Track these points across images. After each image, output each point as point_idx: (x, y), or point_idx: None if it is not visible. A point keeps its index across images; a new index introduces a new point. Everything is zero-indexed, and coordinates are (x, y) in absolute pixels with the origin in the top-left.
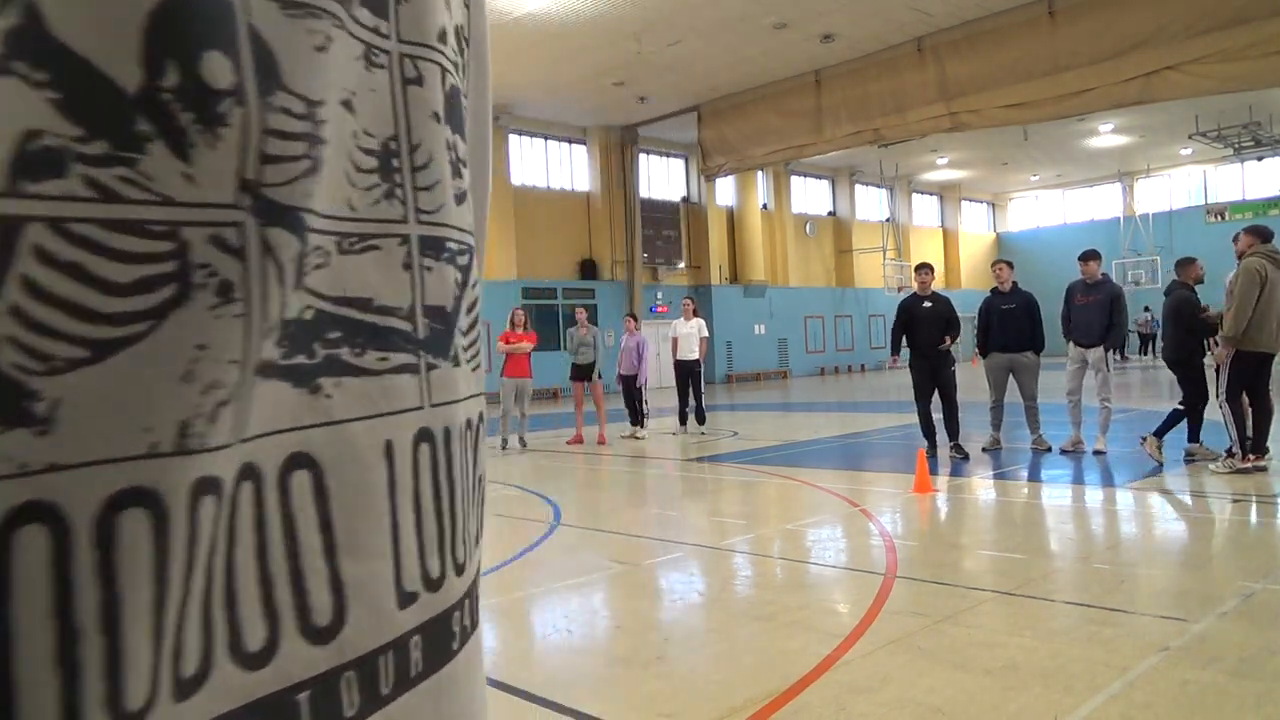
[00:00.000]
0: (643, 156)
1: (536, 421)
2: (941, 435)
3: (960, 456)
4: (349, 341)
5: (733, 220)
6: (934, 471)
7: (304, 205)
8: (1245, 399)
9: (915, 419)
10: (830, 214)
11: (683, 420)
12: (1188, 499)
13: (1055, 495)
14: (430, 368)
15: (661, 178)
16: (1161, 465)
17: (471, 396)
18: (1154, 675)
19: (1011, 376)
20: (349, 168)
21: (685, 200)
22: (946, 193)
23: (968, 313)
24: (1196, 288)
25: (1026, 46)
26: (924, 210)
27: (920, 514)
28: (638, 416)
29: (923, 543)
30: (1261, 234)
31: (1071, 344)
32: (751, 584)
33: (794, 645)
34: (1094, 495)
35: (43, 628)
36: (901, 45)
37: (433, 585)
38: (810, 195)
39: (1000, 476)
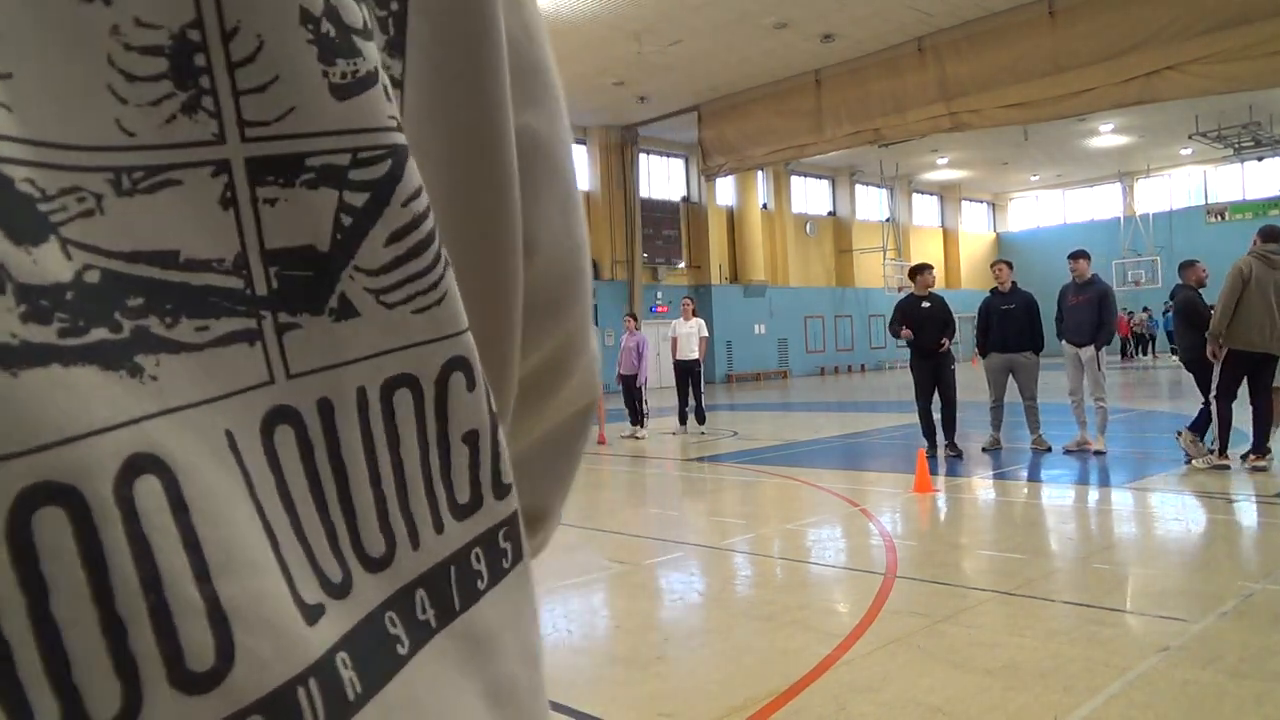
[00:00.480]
0: (643, 156)
1: None
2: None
3: (954, 454)
4: (155, 309)
5: (733, 220)
6: (934, 472)
7: None
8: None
9: (915, 419)
10: (830, 214)
11: (682, 420)
12: (1187, 499)
13: (1055, 495)
14: (285, 328)
15: (661, 177)
16: (1189, 460)
17: (402, 348)
18: (1154, 675)
19: (1011, 376)
20: (112, 75)
21: (685, 200)
22: (946, 193)
23: (968, 312)
24: (1202, 289)
25: (1027, 46)
26: (924, 210)
27: (920, 514)
28: (637, 416)
29: (923, 543)
30: (1265, 234)
31: (1064, 344)
32: (751, 584)
33: (794, 645)
34: (1094, 495)
35: None
36: (902, 45)
37: (340, 590)
38: (810, 195)
39: (1000, 476)
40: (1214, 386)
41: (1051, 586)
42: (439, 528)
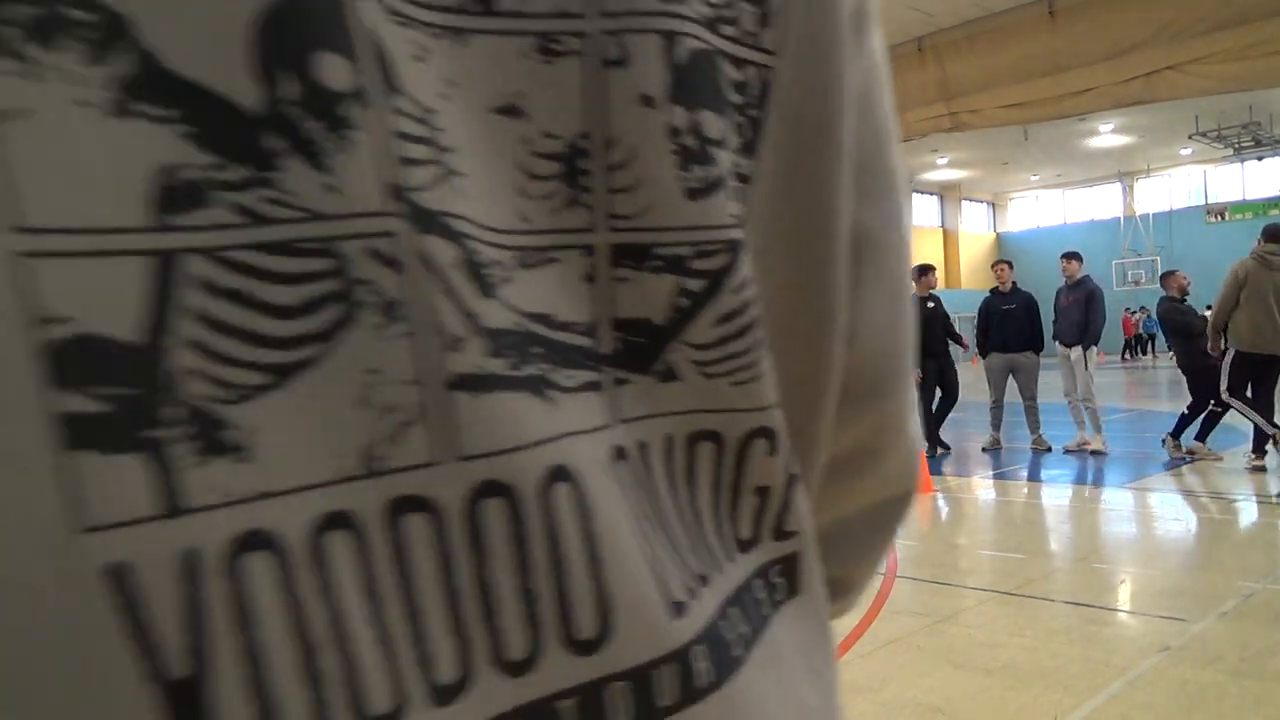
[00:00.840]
0: None
1: None
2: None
3: (945, 451)
4: (548, 357)
5: None
6: (935, 472)
7: (450, 210)
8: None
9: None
10: None
11: None
12: (1187, 499)
13: (1055, 495)
14: (620, 382)
15: None
16: (1186, 459)
17: (703, 410)
18: (1154, 675)
19: (1011, 376)
20: (520, 178)
21: None
22: (946, 192)
23: (969, 312)
24: (1185, 297)
25: (1027, 46)
26: (924, 210)
27: (920, 514)
28: None
29: (923, 542)
30: (1268, 234)
31: (1058, 344)
32: None
33: None
34: (1093, 495)
35: (284, 644)
36: (902, 45)
37: (692, 595)
38: None
39: (1000, 476)
40: (1223, 388)
41: (1051, 586)
42: (729, 559)
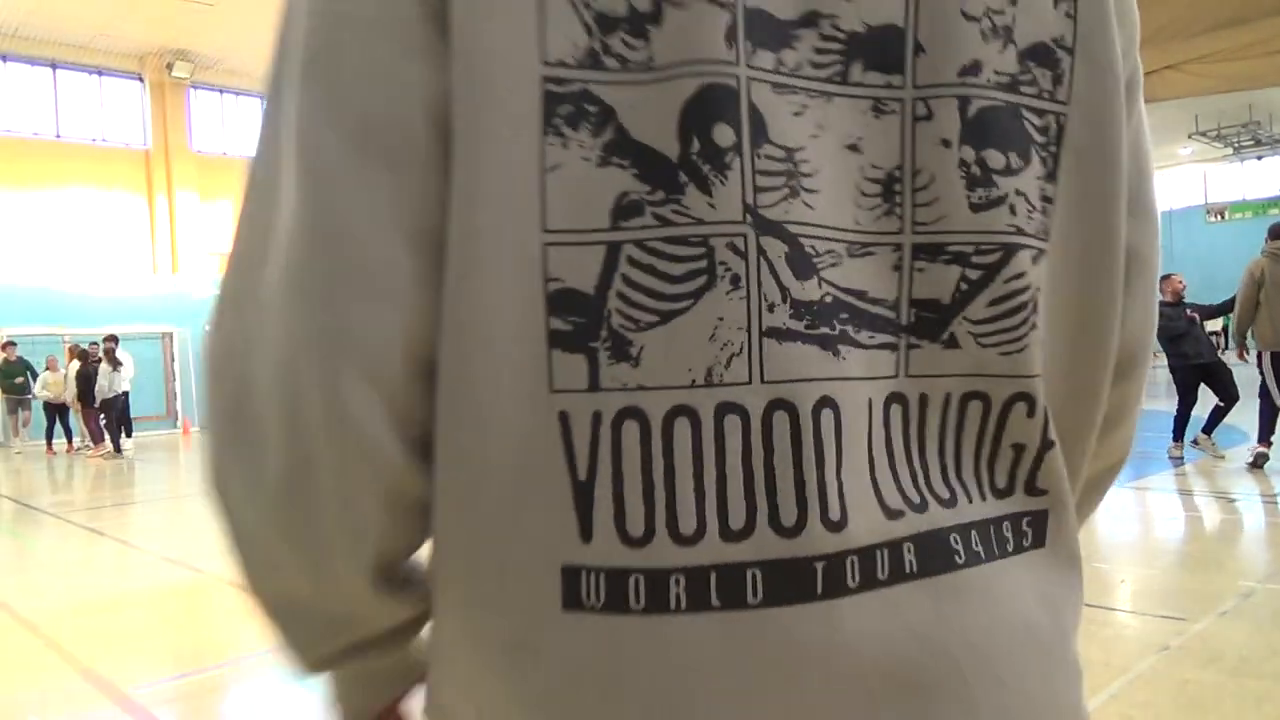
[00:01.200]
0: None
1: None
2: None
3: None
4: (853, 321)
5: None
6: None
7: (788, 219)
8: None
9: None
10: None
11: None
12: (1187, 499)
13: None
14: (911, 347)
15: None
16: (1181, 460)
17: (976, 374)
18: (1153, 675)
19: None
20: (856, 194)
21: None
22: None
23: None
24: (1197, 294)
25: None
26: None
27: None
28: None
29: None
30: (1274, 231)
31: None
32: None
33: None
34: None
35: (634, 473)
36: None
37: (916, 508)
38: None
39: None
40: (1271, 388)
41: None
42: (980, 498)
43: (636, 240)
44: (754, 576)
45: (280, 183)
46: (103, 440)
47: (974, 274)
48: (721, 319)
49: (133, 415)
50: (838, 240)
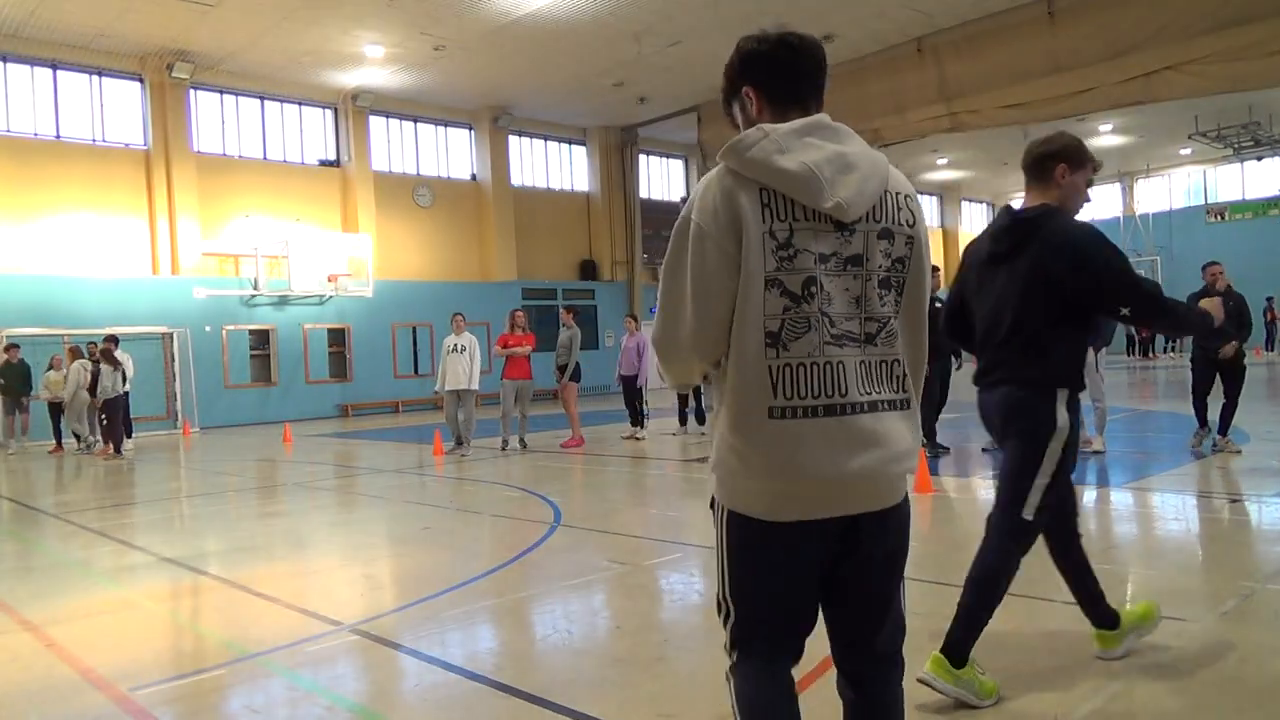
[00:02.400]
0: (642, 157)
1: (537, 423)
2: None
3: (944, 451)
4: (851, 337)
5: None
6: (933, 472)
7: (827, 309)
8: None
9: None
10: None
11: (683, 421)
12: (1188, 499)
13: None
14: (867, 343)
15: (661, 178)
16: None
17: (884, 353)
18: (1154, 675)
19: None
20: (850, 302)
21: (685, 201)
22: (946, 193)
23: None
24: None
25: (1026, 47)
26: (924, 210)
27: (921, 514)
28: (638, 417)
29: (923, 543)
30: None
31: None
32: None
33: None
34: (1093, 495)
35: (787, 383)
36: (901, 45)
37: (872, 392)
38: None
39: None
40: None
41: (1051, 586)
42: (888, 391)
43: (788, 317)
44: (821, 409)
45: (684, 295)
46: (111, 439)
47: (874, 325)
48: (814, 338)
49: (132, 415)
50: (849, 318)
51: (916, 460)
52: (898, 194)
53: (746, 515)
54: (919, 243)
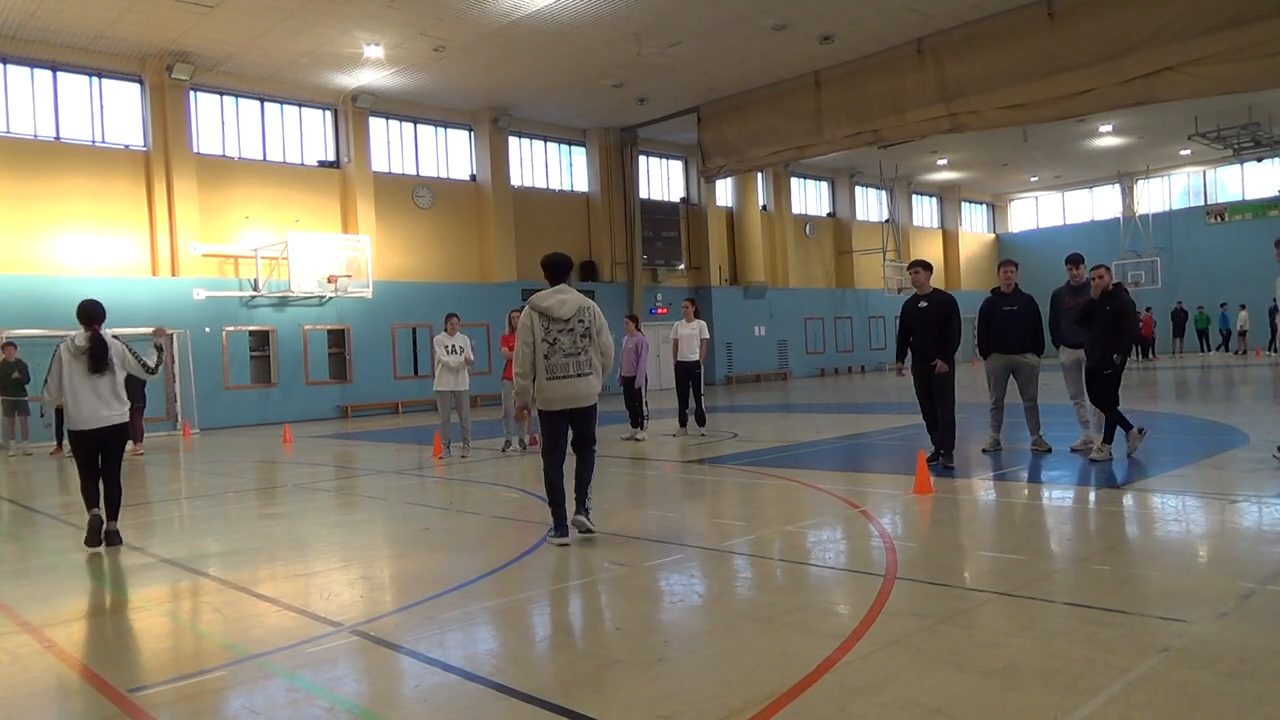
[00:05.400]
0: (642, 158)
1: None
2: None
3: (944, 466)
4: (559, 346)
5: (732, 221)
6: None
7: (554, 350)
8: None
9: (915, 420)
10: (830, 215)
11: (683, 422)
12: (1187, 500)
13: (1055, 496)
14: (583, 353)
15: (661, 179)
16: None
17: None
18: (1153, 676)
19: (1012, 378)
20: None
21: (685, 202)
22: (946, 194)
23: (969, 314)
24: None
25: (1026, 47)
26: (923, 211)
27: (920, 515)
28: (638, 418)
29: (923, 544)
30: None
31: (1063, 348)
32: (751, 585)
33: (794, 647)
34: (1093, 496)
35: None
36: (901, 46)
37: (580, 374)
38: (810, 196)
39: (1000, 478)
40: None
41: (1051, 587)
42: (578, 370)
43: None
44: (559, 377)
45: (525, 339)
46: (140, 440)
47: (579, 349)
48: (556, 358)
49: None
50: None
51: (596, 395)
52: (583, 307)
53: (545, 410)
54: (595, 317)
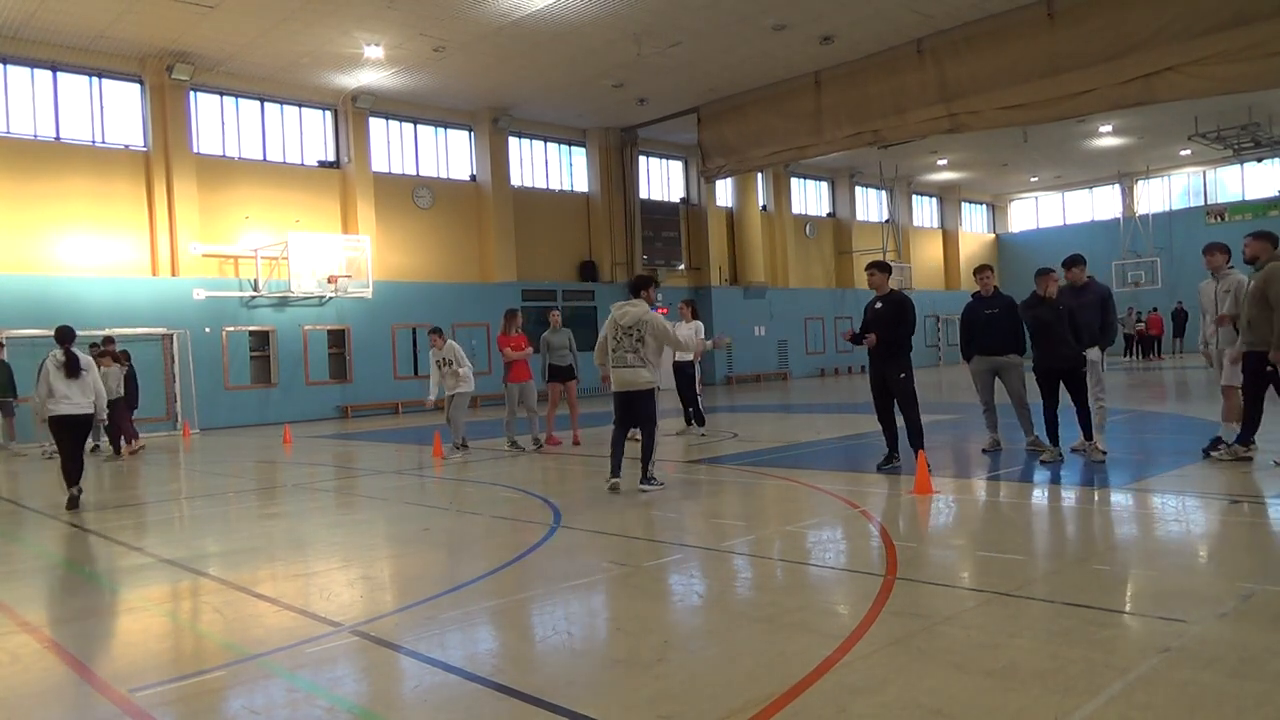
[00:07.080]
0: (642, 158)
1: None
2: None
3: (891, 466)
4: (621, 345)
5: (732, 222)
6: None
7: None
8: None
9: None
10: (830, 215)
11: (687, 421)
12: (1187, 500)
13: (1054, 496)
14: (631, 351)
15: (661, 179)
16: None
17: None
18: (1153, 676)
19: (998, 379)
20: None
21: (685, 202)
22: (946, 194)
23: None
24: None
25: (1026, 47)
26: (923, 211)
27: (920, 515)
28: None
29: (922, 544)
30: (1273, 239)
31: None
32: (751, 585)
33: (794, 647)
34: (1093, 496)
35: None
36: (901, 46)
37: (632, 364)
38: (810, 196)
39: (999, 478)
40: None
41: (1051, 588)
42: (628, 361)
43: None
44: (616, 369)
45: (601, 335)
46: (135, 438)
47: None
48: (631, 349)
49: (132, 417)
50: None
51: (645, 381)
52: (640, 319)
53: (614, 391)
54: (647, 327)
